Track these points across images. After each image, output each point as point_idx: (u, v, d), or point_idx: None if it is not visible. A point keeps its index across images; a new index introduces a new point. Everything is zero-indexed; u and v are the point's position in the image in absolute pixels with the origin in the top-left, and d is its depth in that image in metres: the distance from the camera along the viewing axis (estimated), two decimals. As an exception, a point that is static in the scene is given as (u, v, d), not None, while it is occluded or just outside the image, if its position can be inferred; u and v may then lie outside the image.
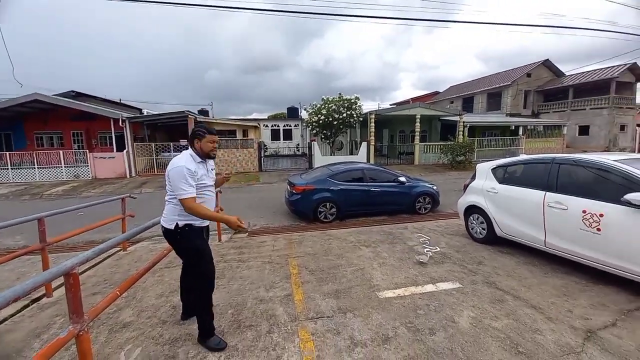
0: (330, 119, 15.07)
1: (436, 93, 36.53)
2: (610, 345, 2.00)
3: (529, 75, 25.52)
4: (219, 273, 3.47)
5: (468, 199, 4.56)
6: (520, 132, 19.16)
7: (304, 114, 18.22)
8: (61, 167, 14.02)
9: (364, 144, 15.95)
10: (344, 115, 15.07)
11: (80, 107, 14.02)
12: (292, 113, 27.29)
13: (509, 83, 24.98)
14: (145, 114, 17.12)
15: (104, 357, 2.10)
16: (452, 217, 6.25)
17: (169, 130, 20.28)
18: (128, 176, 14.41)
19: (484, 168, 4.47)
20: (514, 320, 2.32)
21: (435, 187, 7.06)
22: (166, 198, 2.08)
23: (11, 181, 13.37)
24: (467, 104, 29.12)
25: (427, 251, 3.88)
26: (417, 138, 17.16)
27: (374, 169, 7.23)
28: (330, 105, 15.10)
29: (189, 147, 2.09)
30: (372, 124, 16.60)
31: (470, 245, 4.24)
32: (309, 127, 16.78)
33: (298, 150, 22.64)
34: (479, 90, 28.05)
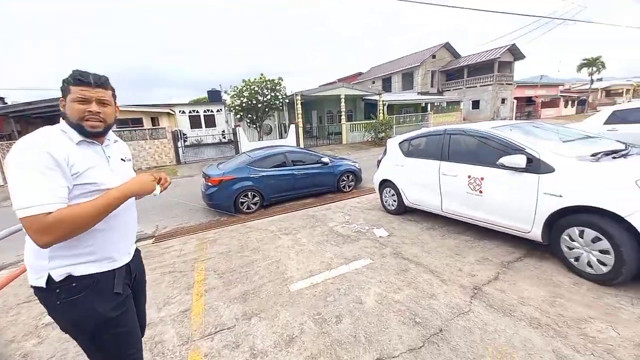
0: (254, 102, 14.15)
1: (359, 74, 38.04)
2: (494, 301, 2.19)
3: (433, 56, 28.49)
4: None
5: (381, 173, 4.71)
6: (429, 108, 21.49)
7: (227, 98, 16.71)
8: None
9: (292, 126, 15.59)
10: (268, 97, 14.32)
11: None
12: (214, 97, 24.84)
13: (419, 64, 27.50)
14: (9, 104, 13.16)
15: None
16: (372, 192, 6.52)
17: (49, 122, 16.17)
18: (-8, 185, 11.12)
19: (392, 143, 4.63)
20: (414, 289, 2.40)
21: (357, 165, 7.24)
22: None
23: None
24: (387, 84, 31.20)
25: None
26: (343, 118, 17.61)
27: (296, 151, 6.99)
28: (252, 87, 14.11)
29: (62, 119, 1.13)
30: (299, 106, 16.29)
31: (384, 218, 4.41)
32: (232, 111, 15.52)
33: (224, 138, 20.93)
34: (395, 70, 30.20)
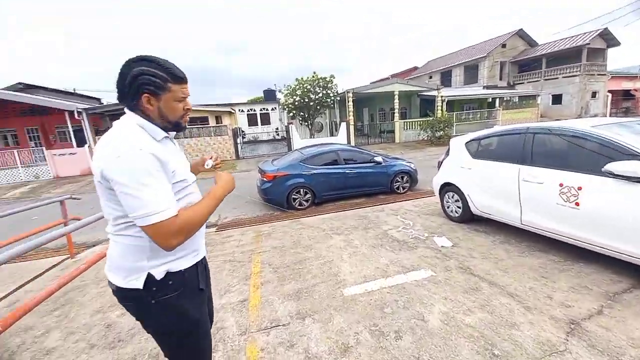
0: (306, 100, 14.43)
1: (415, 68, 36.01)
2: (597, 341, 1.79)
3: (503, 46, 25.38)
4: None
5: (442, 176, 4.31)
6: (497, 104, 19.25)
7: (281, 97, 17.40)
8: (18, 167, 12.81)
9: (343, 124, 15.48)
10: (320, 95, 14.45)
11: (29, 100, 12.63)
12: (269, 96, 26.11)
13: (485, 55, 24.79)
14: (105, 104, 15.72)
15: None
16: (429, 195, 6.06)
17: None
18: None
19: (457, 143, 4.20)
20: (489, 314, 2.09)
21: (412, 165, 6.82)
22: (111, 230, 1.03)
23: (-42, 186, 12.12)
24: (446, 78, 28.90)
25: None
26: (396, 115, 16.86)
27: (349, 150, 6.87)
28: (305, 86, 14.39)
29: (131, 111, 1.03)
30: (350, 103, 16.10)
31: (446, 226, 4.03)
32: (285, 109, 16.07)
33: (277, 135, 21.88)
34: (456, 63, 27.77)
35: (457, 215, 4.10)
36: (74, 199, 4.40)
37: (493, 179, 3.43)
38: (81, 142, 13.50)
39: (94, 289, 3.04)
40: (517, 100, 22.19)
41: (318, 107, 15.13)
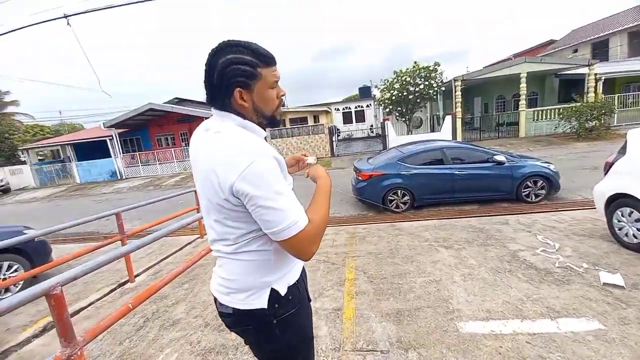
0: (405, 93, 13.40)
1: (551, 42, 28.41)
2: None
3: None
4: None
5: (614, 184, 3.03)
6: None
7: (376, 93, 16.87)
8: (174, 162, 17.03)
9: (448, 118, 13.61)
10: (421, 86, 13.14)
11: (180, 110, 16.53)
12: (365, 93, 25.78)
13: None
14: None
15: (146, 357, 2.08)
16: (580, 207, 4.50)
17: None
18: (220, 167, 16.46)
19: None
20: None
21: (552, 167, 5.24)
22: (229, 250, 0.88)
23: (141, 175, 17.05)
24: (599, 50, 21.56)
25: (556, 261, 2.73)
26: (522, 103, 13.62)
27: (459, 147, 5.87)
28: (403, 78, 13.39)
29: (223, 112, 0.85)
30: (459, 93, 14.02)
31: (615, 255, 2.82)
32: (381, 105, 15.46)
33: (372, 132, 21.41)
34: (616, 29, 20.28)
35: (636, 241, 2.80)
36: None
37: None
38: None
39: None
40: None
41: (418, 101, 13.85)
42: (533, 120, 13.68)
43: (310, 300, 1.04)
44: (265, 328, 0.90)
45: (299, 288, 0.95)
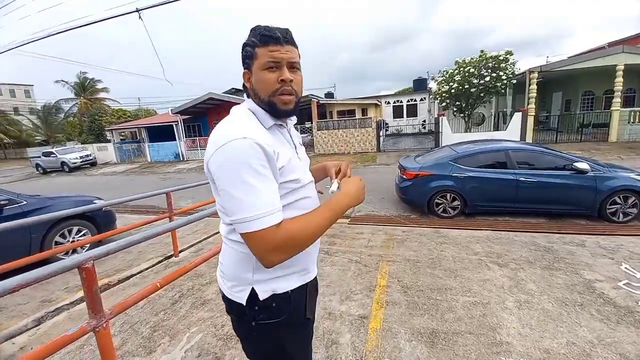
0: (467, 86, 12.12)
1: (666, 27, 22.83)
2: None
3: None
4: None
5: None
6: None
7: (432, 86, 15.62)
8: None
9: (517, 115, 11.94)
10: (487, 78, 11.72)
11: (237, 100, 17.50)
12: (419, 85, 24.09)
13: None
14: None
15: (174, 332, 2.19)
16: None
17: (299, 114, 22.51)
18: (267, 155, 17.14)
19: None
20: None
21: (654, 180, 4.20)
22: (223, 232, 0.90)
23: (200, 158, 18.69)
24: None
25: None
26: (617, 101, 11.28)
27: (528, 149, 5.05)
28: (467, 69, 12.08)
29: (247, 98, 0.88)
30: (533, 87, 12.17)
31: None
32: (437, 99, 14.28)
33: (424, 128, 20.04)
34: None
35: None
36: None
37: None
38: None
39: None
40: None
41: (481, 95, 12.41)
42: (628, 122, 11.27)
43: (311, 321, 0.96)
44: (244, 326, 0.88)
45: (292, 301, 0.87)
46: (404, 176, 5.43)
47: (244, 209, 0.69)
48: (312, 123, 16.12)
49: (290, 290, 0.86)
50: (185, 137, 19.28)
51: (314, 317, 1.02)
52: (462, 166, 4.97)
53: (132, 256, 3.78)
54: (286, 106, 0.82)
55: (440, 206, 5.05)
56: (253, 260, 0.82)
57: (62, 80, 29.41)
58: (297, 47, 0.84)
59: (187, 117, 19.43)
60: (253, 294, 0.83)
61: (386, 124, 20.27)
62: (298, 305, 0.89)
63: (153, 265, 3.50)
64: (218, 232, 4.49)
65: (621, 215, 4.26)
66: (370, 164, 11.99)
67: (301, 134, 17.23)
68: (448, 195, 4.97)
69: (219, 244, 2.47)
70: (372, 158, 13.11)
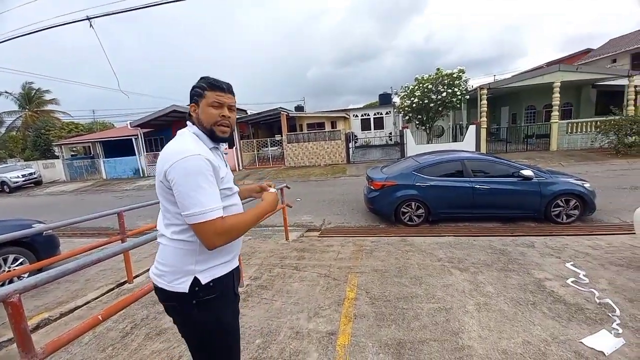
0: (426, 101, 12.97)
1: (587, 52, 26.70)
2: None
3: None
4: (269, 281, 3.10)
5: (665, 210, 2.61)
6: None
7: (396, 100, 16.51)
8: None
9: (471, 127, 12.99)
10: (444, 94, 12.66)
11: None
12: (385, 100, 25.34)
13: None
14: (248, 114, 19.29)
15: (125, 371, 1.96)
16: (617, 231, 4.01)
17: (269, 127, 22.41)
18: (237, 169, 16.65)
19: None
20: None
21: (587, 185, 4.73)
22: (167, 233, 1.07)
23: (163, 174, 17.68)
24: (644, 60, 19.92)
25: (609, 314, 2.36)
26: (555, 114, 12.73)
27: (481, 159, 5.47)
28: (425, 85, 12.97)
29: (188, 121, 1.15)
30: (484, 102, 13.37)
31: (667, 294, 2.39)
32: (401, 112, 15.07)
33: (390, 139, 20.96)
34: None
35: (696, 280, 2.37)
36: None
37: None
38: (231, 144, 17.03)
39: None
40: None
41: (440, 109, 13.35)
42: (567, 132, 12.75)
43: (237, 297, 1.25)
44: (186, 309, 1.07)
45: (224, 282, 1.13)
46: (372, 187, 5.57)
47: (199, 205, 0.95)
48: (282, 136, 16.06)
49: (223, 275, 1.12)
50: (147, 151, 18.19)
51: (238, 295, 1.29)
52: (424, 176, 5.22)
53: (78, 285, 3.39)
54: (223, 134, 1.13)
55: (406, 215, 5.22)
56: (196, 254, 1.06)
57: (6, 92, 26.50)
58: (234, 96, 1.17)
59: (148, 130, 18.41)
60: (195, 281, 1.05)
61: (355, 136, 20.85)
62: (228, 284, 1.16)
63: (103, 295, 3.16)
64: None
65: (565, 217, 4.72)
66: (340, 176, 12.17)
67: (271, 147, 17.21)
68: (413, 204, 5.17)
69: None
70: (342, 170, 13.32)
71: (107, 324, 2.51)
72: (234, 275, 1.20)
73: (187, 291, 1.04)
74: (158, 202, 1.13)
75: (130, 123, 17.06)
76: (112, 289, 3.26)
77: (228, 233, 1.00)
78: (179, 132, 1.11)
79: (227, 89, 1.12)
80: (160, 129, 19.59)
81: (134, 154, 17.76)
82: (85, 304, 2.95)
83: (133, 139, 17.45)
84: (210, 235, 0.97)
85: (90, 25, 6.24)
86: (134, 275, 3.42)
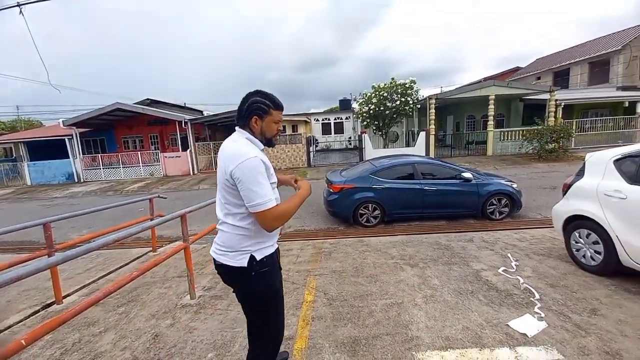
0: (382, 108, 13.69)
1: (516, 69, 30.78)
2: None
3: (651, 34, 19.14)
4: (224, 291, 2.97)
5: (572, 205, 3.10)
6: (639, 109, 14.47)
7: (355, 106, 17.15)
8: (140, 166, 16.00)
9: (422, 134, 14.05)
10: (397, 102, 13.50)
11: (153, 112, 15.70)
12: (345, 105, 26.19)
13: (620, 48, 19.18)
14: (205, 115, 18.36)
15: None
16: (539, 226, 4.65)
17: (227, 130, 21.58)
18: (191, 173, 15.65)
19: (599, 160, 2.95)
20: None
21: (514, 185, 5.41)
22: (223, 216, 1.34)
23: (102, 179, 15.83)
24: (561, 78, 23.65)
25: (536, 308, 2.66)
26: (490, 123, 14.38)
27: (429, 162, 5.93)
28: (381, 93, 13.70)
29: (240, 129, 1.37)
30: (432, 110, 14.56)
31: (573, 277, 2.84)
32: (359, 118, 15.67)
33: (350, 144, 21.65)
34: (576, 59, 22.41)
35: (593, 263, 2.85)
36: (161, 197, 4.89)
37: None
38: (185, 147, 16.00)
39: (159, 289, 3.13)
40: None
41: (394, 116, 14.19)
42: (500, 140, 14.46)
43: (281, 269, 1.54)
44: (246, 278, 1.33)
45: (273, 257, 1.41)
46: (331, 190, 5.67)
47: (260, 197, 1.20)
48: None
49: (270, 254, 1.38)
50: (84, 153, 16.21)
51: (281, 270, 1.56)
52: (380, 178, 5.48)
53: (-7, 309, 2.87)
54: (275, 141, 1.45)
55: (363, 216, 5.42)
56: (252, 238, 1.32)
57: None
58: None
59: (86, 129, 16.45)
60: (252, 257, 1.31)
61: (316, 140, 21.10)
62: (275, 261, 1.43)
63: (26, 318, 2.72)
64: (123, 266, 3.82)
65: (497, 214, 5.33)
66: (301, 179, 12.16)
67: (229, 150, 16.58)
68: (370, 205, 5.39)
69: (123, 279, 2.08)
70: (303, 173, 13.35)
71: (32, 349, 2.17)
72: (277, 254, 1.47)
73: (246, 265, 1.30)
74: (94, 212, 1.01)
75: (63, 121, 15.01)
76: (38, 311, 2.82)
77: (282, 217, 1.26)
78: (232, 137, 1.36)
79: (282, 106, 1.41)
80: (101, 129, 17.68)
81: (68, 157, 15.67)
82: (6, 329, 2.52)
83: (66, 140, 15.40)
84: (269, 220, 1.23)
85: (20, 12, 5.36)
86: (63, 294, 3.01)
